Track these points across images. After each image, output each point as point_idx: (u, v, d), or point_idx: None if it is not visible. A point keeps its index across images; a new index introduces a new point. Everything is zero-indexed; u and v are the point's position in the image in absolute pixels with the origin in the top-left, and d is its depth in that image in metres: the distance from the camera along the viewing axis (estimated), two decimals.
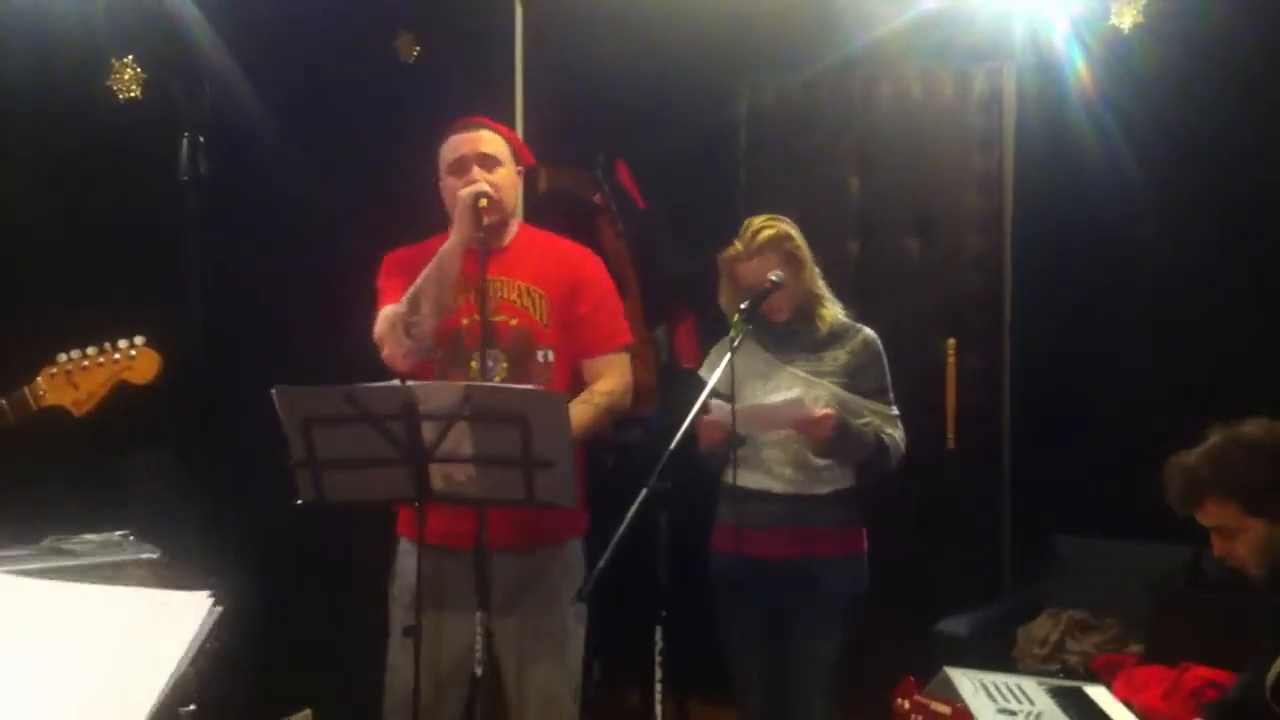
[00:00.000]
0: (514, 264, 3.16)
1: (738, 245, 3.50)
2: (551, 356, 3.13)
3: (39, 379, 2.94)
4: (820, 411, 3.31)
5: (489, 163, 3.11)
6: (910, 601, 4.28)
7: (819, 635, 3.45)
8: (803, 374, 3.45)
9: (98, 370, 2.96)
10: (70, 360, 2.95)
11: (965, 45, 4.68)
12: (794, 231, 3.50)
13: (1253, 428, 2.60)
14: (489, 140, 3.14)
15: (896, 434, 3.47)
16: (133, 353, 2.98)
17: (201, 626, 1.91)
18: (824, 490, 3.45)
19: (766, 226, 3.49)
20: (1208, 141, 4.14)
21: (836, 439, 3.34)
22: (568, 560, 3.17)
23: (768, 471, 3.45)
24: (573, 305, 3.17)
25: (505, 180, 3.13)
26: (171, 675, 1.85)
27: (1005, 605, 4.44)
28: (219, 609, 1.94)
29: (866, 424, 3.43)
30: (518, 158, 3.22)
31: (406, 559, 3.13)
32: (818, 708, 3.47)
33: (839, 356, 3.48)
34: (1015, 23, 4.55)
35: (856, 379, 3.46)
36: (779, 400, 3.36)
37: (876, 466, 3.48)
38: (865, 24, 4.70)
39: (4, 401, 2.90)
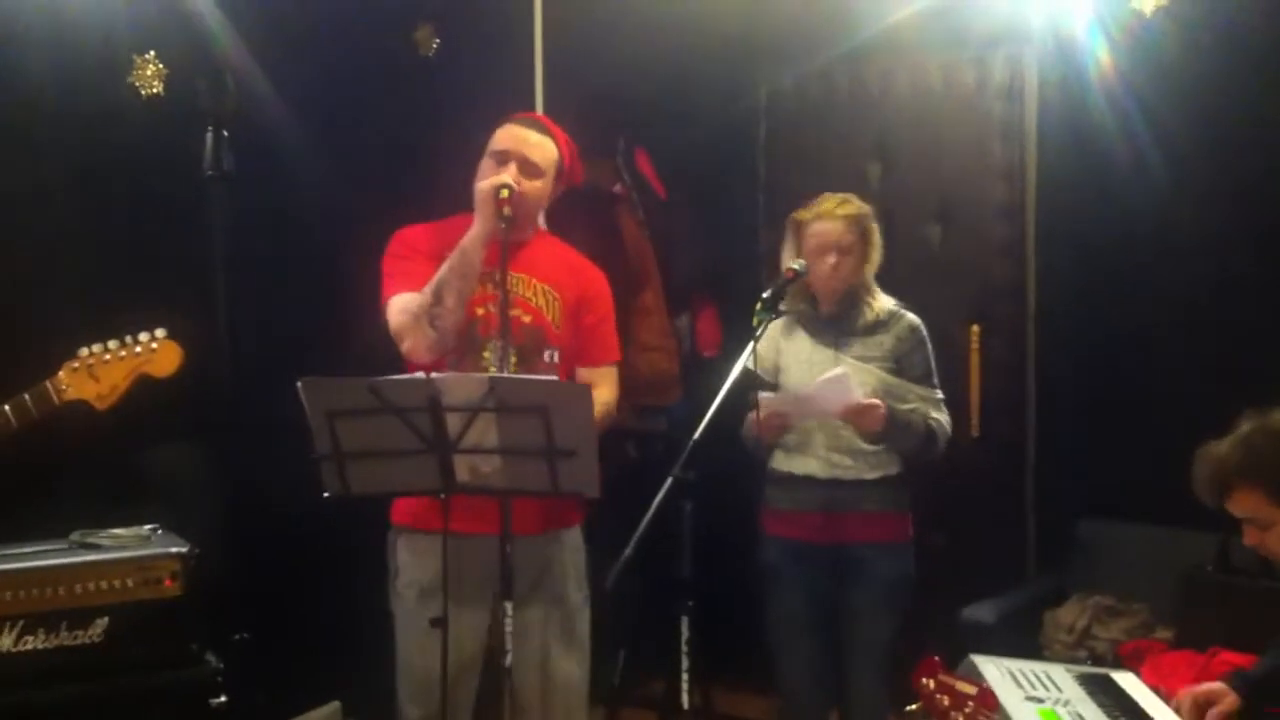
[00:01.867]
0: (534, 262, 3.17)
1: (815, 208, 3.52)
2: (557, 358, 3.15)
3: (61, 373, 2.95)
4: (867, 401, 3.33)
5: (530, 169, 3.08)
6: (936, 588, 4.26)
7: (875, 619, 3.50)
8: (849, 359, 3.47)
9: (119, 364, 2.98)
10: (92, 354, 2.97)
11: (984, 31, 4.66)
12: (872, 216, 3.55)
13: None
14: (539, 147, 3.11)
15: (943, 418, 3.52)
16: (154, 346, 3.00)
17: None
18: (873, 475, 3.48)
19: (849, 200, 3.55)
20: (1231, 125, 4.11)
21: (885, 429, 3.37)
22: (571, 545, 3.22)
23: (816, 456, 3.48)
24: (581, 314, 3.21)
25: (535, 192, 3.10)
26: None
27: (1031, 591, 4.43)
28: None
29: (913, 410, 3.44)
30: (562, 174, 3.18)
31: (407, 554, 3.14)
32: (873, 691, 3.52)
33: (885, 342, 3.51)
34: (1034, 7, 4.53)
35: (903, 364, 3.50)
36: (822, 380, 3.36)
37: (925, 453, 3.52)
38: (883, 11, 4.69)
39: (26, 396, 2.92)
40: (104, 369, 2.96)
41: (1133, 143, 4.29)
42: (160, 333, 3.01)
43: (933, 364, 3.55)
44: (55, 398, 2.94)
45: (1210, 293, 4.21)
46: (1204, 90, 4.15)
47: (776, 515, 3.55)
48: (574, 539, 3.23)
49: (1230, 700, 2.66)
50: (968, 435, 4.70)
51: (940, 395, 3.54)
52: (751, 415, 3.43)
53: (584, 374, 3.19)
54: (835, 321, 3.54)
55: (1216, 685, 2.74)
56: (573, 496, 2.72)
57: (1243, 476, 2.54)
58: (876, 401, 3.36)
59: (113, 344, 2.98)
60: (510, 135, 3.11)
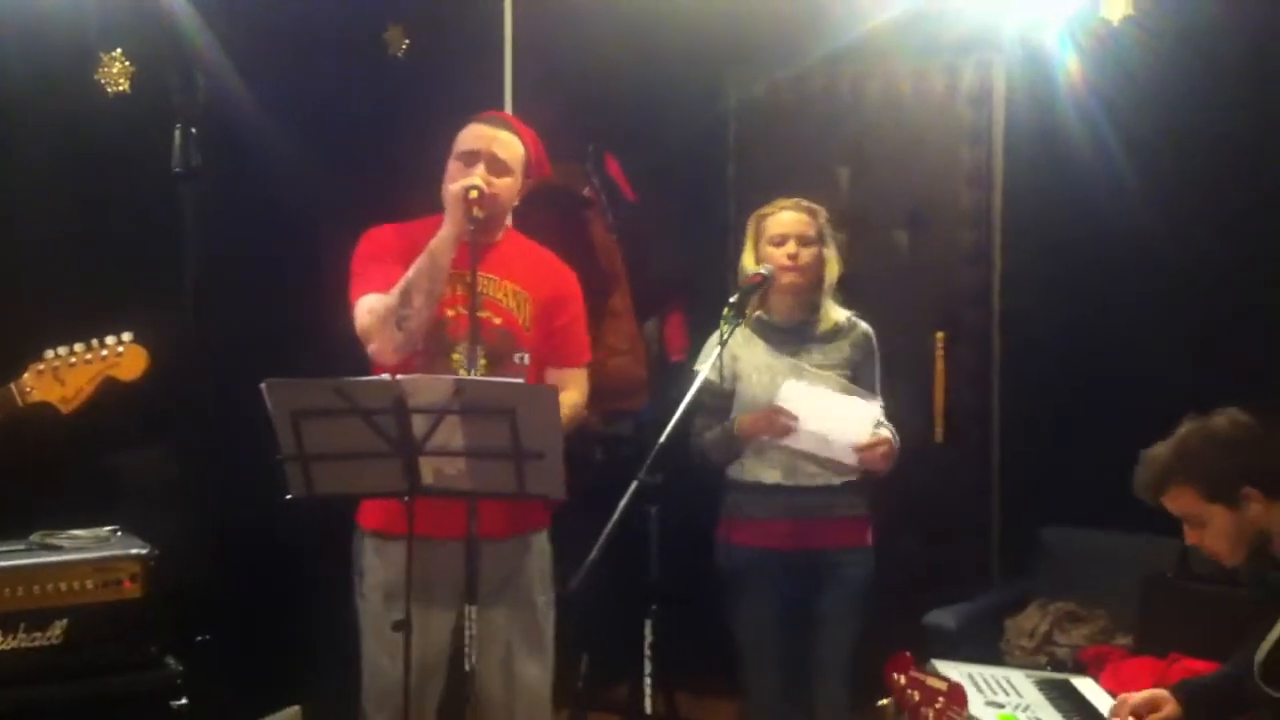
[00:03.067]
0: (503, 264, 3.16)
1: (776, 204, 3.53)
2: (527, 360, 3.14)
3: (25, 375, 2.92)
4: (881, 440, 3.35)
5: (498, 168, 3.07)
6: (898, 594, 4.29)
7: (840, 623, 3.50)
8: (809, 367, 3.46)
9: (85, 367, 2.95)
10: (57, 357, 2.94)
11: (954, 38, 4.68)
12: (831, 223, 3.56)
13: (1220, 418, 2.66)
14: (507, 145, 3.10)
15: (892, 429, 3.49)
16: (120, 349, 2.97)
17: None
18: (839, 481, 3.47)
19: (810, 200, 3.54)
20: (1198, 133, 4.15)
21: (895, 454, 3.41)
22: (538, 550, 3.21)
23: (780, 465, 3.46)
24: (553, 316, 3.20)
25: (505, 190, 3.09)
26: None
27: (993, 597, 4.46)
28: None
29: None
30: (530, 169, 3.18)
31: (373, 557, 3.13)
32: (838, 694, 3.51)
33: (843, 349, 3.51)
34: (1005, 15, 4.55)
35: (858, 374, 3.49)
36: (848, 398, 3.37)
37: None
38: (855, 17, 4.69)
39: None
40: (69, 372, 2.94)
41: (1100, 148, 4.32)
42: (126, 336, 2.98)
43: (878, 375, 3.55)
44: (19, 400, 2.91)
45: (1176, 299, 4.24)
46: (1170, 97, 4.19)
47: (741, 524, 3.52)
48: (541, 543, 3.23)
49: (1171, 708, 2.69)
50: (933, 442, 4.73)
51: (881, 404, 3.52)
52: (744, 416, 3.42)
53: (554, 375, 3.18)
54: (793, 329, 3.52)
55: (1160, 692, 2.77)
56: (539, 499, 2.71)
57: (1177, 476, 2.62)
58: (885, 439, 3.38)
59: (79, 347, 2.96)
60: (476, 135, 3.11)
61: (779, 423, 3.34)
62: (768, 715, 3.63)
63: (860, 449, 3.35)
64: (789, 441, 3.37)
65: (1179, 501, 2.64)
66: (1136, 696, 2.77)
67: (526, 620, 3.16)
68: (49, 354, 2.94)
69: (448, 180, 3.06)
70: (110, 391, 2.98)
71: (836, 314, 3.54)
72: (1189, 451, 2.62)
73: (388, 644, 2.93)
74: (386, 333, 2.98)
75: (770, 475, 3.47)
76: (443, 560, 2.87)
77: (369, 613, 3.14)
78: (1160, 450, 2.67)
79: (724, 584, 3.58)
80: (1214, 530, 2.62)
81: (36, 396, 2.92)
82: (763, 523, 3.47)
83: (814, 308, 3.53)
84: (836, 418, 3.36)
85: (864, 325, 3.56)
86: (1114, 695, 3.00)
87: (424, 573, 2.86)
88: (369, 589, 3.13)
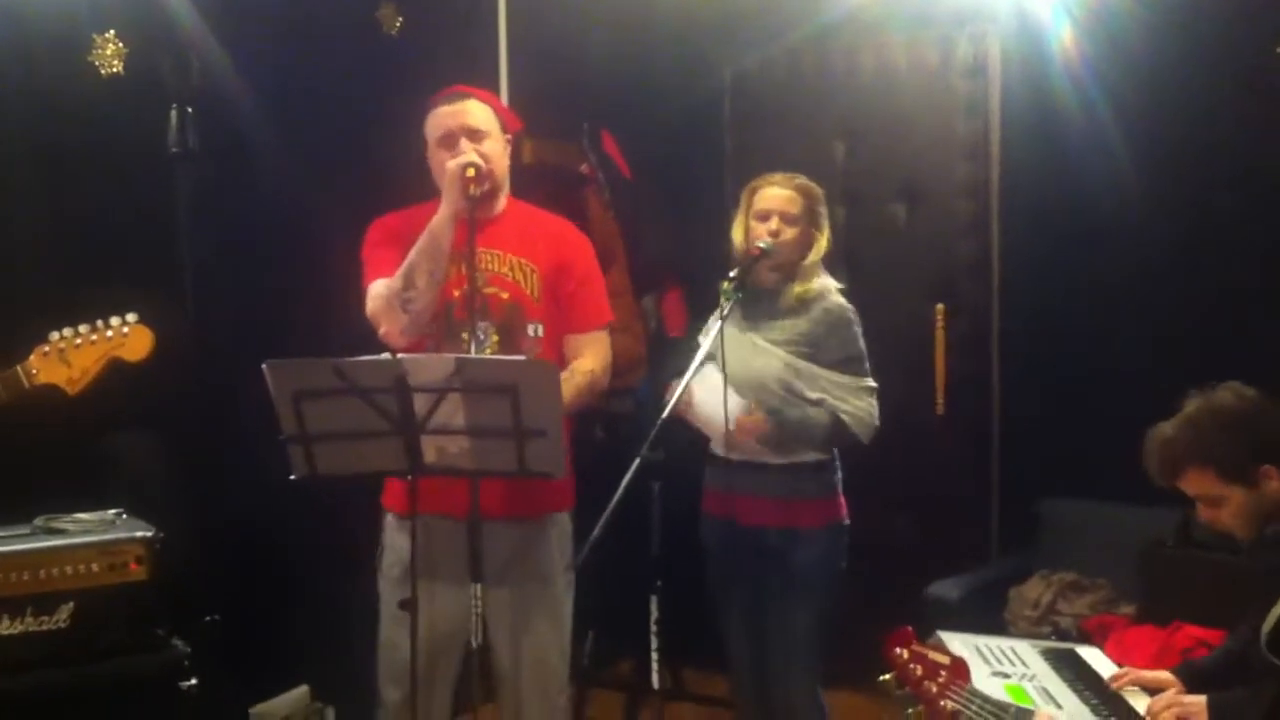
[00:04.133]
0: (505, 237, 3.15)
1: (767, 178, 3.50)
2: (541, 331, 3.12)
3: (31, 358, 2.92)
4: (744, 419, 3.31)
5: (477, 135, 3.08)
6: (901, 567, 4.31)
7: (793, 602, 3.45)
8: (760, 341, 3.43)
9: (90, 348, 2.95)
10: (63, 338, 2.94)
11: (948, 10, 4.68)
12: (824, 200, 3.52)
13: (1226, 395, 2.66)
14: (475, 111, 3.11)
15: (861, 405, 3.40)
16: (125, 330, 2.97)
17: None
18: (777, 461, 3.42)
19: (802, 177, 3.51)
20: (1192, 105, 4.15)
21: (773, 438, 3.35)
22: (559, 530, 3.19)
23: (721, 439, 3.42)
24: (561, 281, 3.17)
25: (494, 151, 3.10)
26: None
27: (996, 569, 4.48)
28: None
29: (819, 400, 3.38)
30: (505, 126, 3.18)
31: (395, 534, 3.13)
32: (794, 674, 3.49)
33: (798, 325, 3.43)
34: None
35: (818, 349, 3.41)
36: (705, 389, 3.34)
37: (836, 444, 3.46)
38: None
39: None
40: (75, 353, 2.94)
41: (1095, 121, 4.33)
42: (131, 317, 2.98)
43: (859, 349, 3.44)
44: (25, 382, 2.91)
45: (1171, 269, 4.25)
46: (1164, 68, 4.19)
47: (708, 494, 3.55)
48: (562, 523, 3.20)
49: (1176, 691, 2.70)
50: (934, 414, 4.74)
51: (867, 383, 3.44)
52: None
53: (573, 341, 3.16)
54: (760, 303, 3.46)
55: (1164, 674, 2.78)
56: (540, 477, 2.71)
57: (1192, 459, 2.62)
58: (753, 418, 3.32)
59: (84, 328, 2.96)
60: (443, 116, 3.11)
61: (681, 403, 3.27)
62: (739, 685, 3.65)
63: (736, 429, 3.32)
64: (692, 420, 3.38)
65: (1196, 484, 2.63)
66: (1147, 675, 2.78)
67: (543, 599, 3.14)
68: (54, 335, 2.93)
69: (436, 168, 3.07)
70: (111, 372, 2.97)
71: (811, 287, 3.44)
72: (1202, 433, 2.60)
73: (402, 620, 2.94)
74: (393, 316, 2.99)
75: (719, 448, 3.46)
76: (452, 539, 2.86)
77: (386, 589, 3.15)
78: (1169, 431, 2.66)
79: (704, 558, 3.60)
80: (1231, 509, 2.62)
81: (43, 378, 2.92)
82: (722, 495, 3.46)
83: (789, 279, 3.46)
84: (716, 402, 3.32)
85: (836, 299, 3.45)
86: (1119, 664, 3.01)
87: (434, 551, 2.86)
88: (387, 566, 3.14)
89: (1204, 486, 2.63)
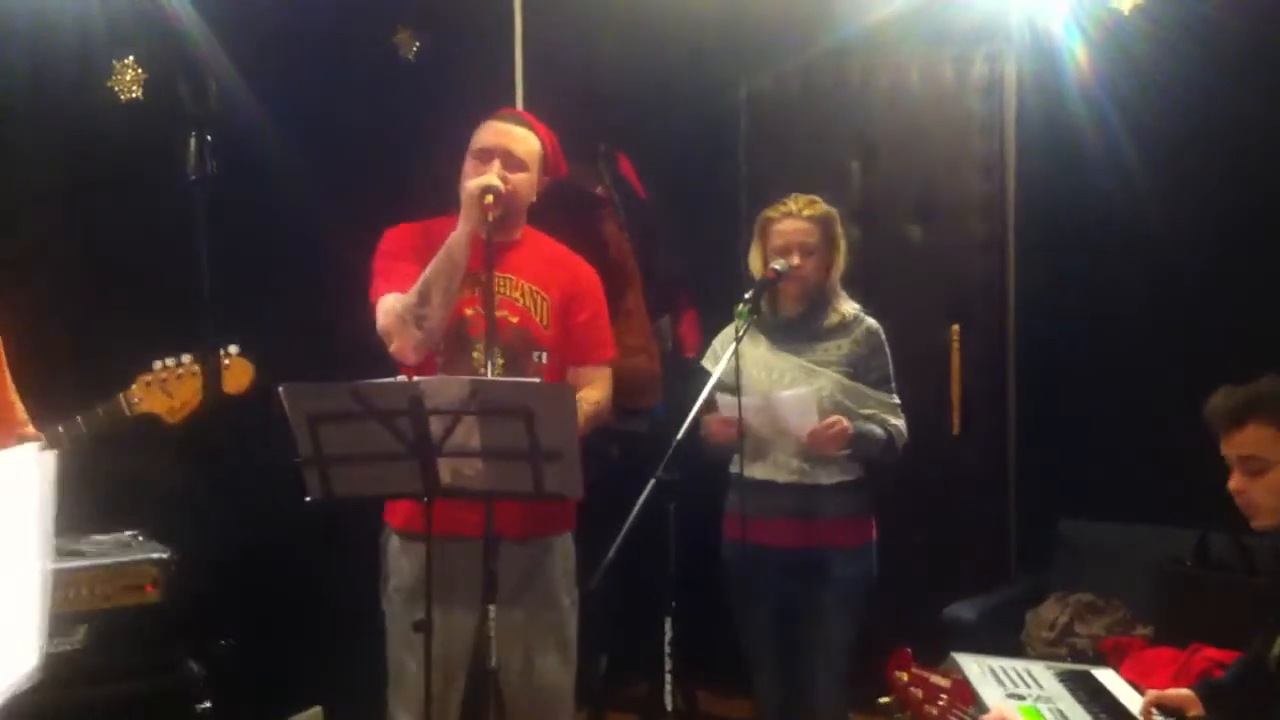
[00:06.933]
0: (520, 263, 3.16)
1: (781, 207, 3.52)
2: (546, 359, 3.14)
3: (134, 386, 2.95)
4: (828, 422, 3.34)
5: (513, 164, 3.08)
6: (917, 588, 4.29)
7: (828, 622, 3.48)
8: (806, 363, 3.46)
9: (193, 379, 2.97)
10: (165, 368, 2.96)
11: (963, 28, 4.68)
12: (839, 219, 3.55)
13: None
14: (522, 141, 3.12)
15: (900, 423, 3.51)
16: (227, 362, 2.95)
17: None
18: (831, 481, 3.47)
19: (816, 202, 3.54)
20: (1206, 122, 4.15)
21: (849, 446, 3.39)
22: (564, 551, 3.21)
23: (774, 462, 3.47)
24: (572, 312, 3.19)
25: (522, 183, 3.10)
26: None
27: (1012, 590, 4.46)
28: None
29: (871, 416, 3.45)
30: (547, 168, 3.19)
31: (400, 557, 3.13)
32: (828, 694, 3.49)
33: (843, 346, 3.50)
34: (1013, 5, 4.56)
35: (860, 369, 3.49)
36: (787, 395, 3.37)
37: (883, 459, 3.51)
38: (862, 9, 4.71)
39: (100, 409, 2.92)
40: (177, 384, 2.96)
41: (1110, 139, 4.33)
42: (234, 349, 2.99)
43: (890, 369, 3.54)
44: (127, 410, 2.93)
45: (1188, 288, 4.24)
46: (1179, 87, 4.18)
47: (740, 521, 3.52)
48: (566, 544, 3.22)
49: (1197, 710, 2.67)
50: (949, 434, 4.72)
51: (896, 401, 3.53)
52: (707, 417, 3.42)
53: (575, 374, 3.18)
54: (795, 326, 3.52)
55: (1185, 692, 2.76)
56: (556, 499, 2.71)
57: (1260, 411, 2.55)
58: (838, 420, 3.35)
59: (186, 358, 2.98)
60: (492, 131, 3.12)
61: (724, 430, 3.35)
62: (768, 712, 3.63)
63: (812, 436, 3.35)
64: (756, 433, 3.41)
65: (1253, 440, 2.55)
66: (1169, 694, 2.76)
67: (551, 621, 3.16)
68: (156, 365, 2.96)
69: (463, 178, 3.07)
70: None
71: (843, 309, 3.53)
72: (1277, 394, 2.55)
73: (410, 643, 2.94)
74: (406, 332, 2.99)
75: (763, 472, 3.47)
76: (464, 560, 2.87)
77: (392, 613, 3.15)
78: (1245, 387, 2.60)
79: (726, 581, 3.58)
80: (1269, 481, 2.54)
81: (144, 408, 2.95)
82: (757, 520, 3.44)
83: (815, 305, 3.52)
84: (783, 416, 3.37)
85: (870, 321, 3.55)
86: (1135, 686, 2.99)
87: (446, 572, 2.87)
88: (393, 590, 3.15)
89: (1259, 445, 2.54)
